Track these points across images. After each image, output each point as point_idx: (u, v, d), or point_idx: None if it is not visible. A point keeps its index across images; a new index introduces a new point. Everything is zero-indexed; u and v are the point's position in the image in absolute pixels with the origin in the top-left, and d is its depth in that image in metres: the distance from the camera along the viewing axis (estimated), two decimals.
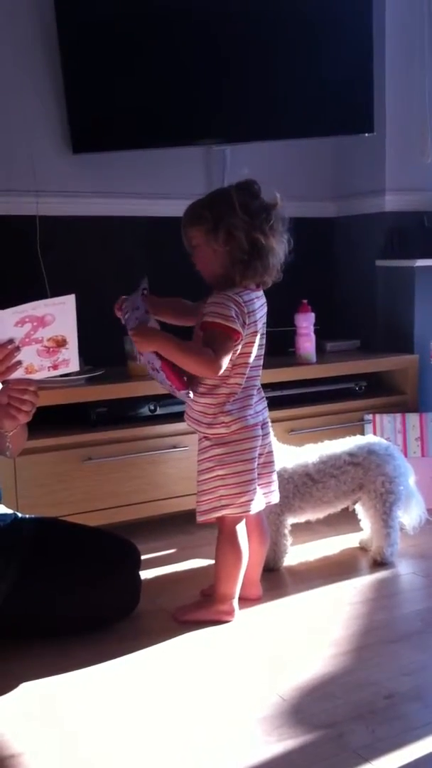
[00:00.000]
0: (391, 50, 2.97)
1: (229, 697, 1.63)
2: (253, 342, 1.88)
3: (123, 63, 2.69)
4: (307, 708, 1.57)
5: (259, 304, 1.88)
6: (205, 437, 1.91)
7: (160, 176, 2.90)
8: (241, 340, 1.82)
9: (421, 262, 2.98)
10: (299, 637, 1.88)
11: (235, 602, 1.97)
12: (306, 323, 2.82)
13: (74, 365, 1.70)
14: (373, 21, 2.79)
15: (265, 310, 1.92)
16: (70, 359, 1.68)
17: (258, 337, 1.89)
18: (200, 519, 1.95)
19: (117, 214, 2.86)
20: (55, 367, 1.67)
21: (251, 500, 1.92)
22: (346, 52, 2.80)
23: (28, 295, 2.61)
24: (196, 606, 1.99)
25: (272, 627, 1.94)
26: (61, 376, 1.78)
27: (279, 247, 1.83)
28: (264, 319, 1.92)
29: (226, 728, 1.52)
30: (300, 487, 2.23)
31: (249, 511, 1.93)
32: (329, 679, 1.68)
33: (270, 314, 2.94)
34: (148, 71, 2.69)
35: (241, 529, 1.95)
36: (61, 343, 1.65)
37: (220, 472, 1.90)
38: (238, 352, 1.85)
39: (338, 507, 2.34)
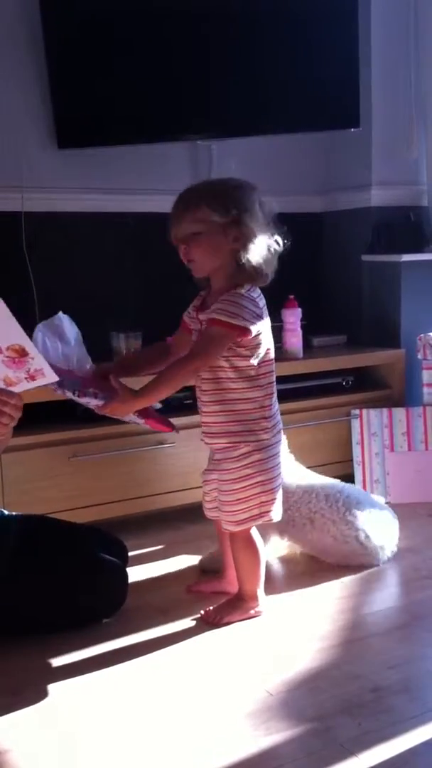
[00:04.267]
0: (377, 45, 2.97)
1: (217, 693, 1.63)
2: (270, 337, 1.85)
3: (109, 58, 2.68)
4: (295, 702, 1.58)
5: (264, 299, 1.85)
6: (243, 444, 1.85)
7: (146, 172, 2.89)
8: (250, 336, 1.76)
9: (407, 257, 2.98)
10: (286, 632, 1.89)
11: (261, 595, 1.97)
12: (293, 318, 2.82)
13: (50, 375, 1.64)
14: (359, 16, 2.79)
15: None
16: (43, 368, 1.62)
17: (270, 331, 1.87)
18: (237, 529, 1.90)
19: (103, 210, 2.85)
20: (31, 377, 1.63)
21: (280, 503, 1.93)
22: (332, 47, 2.80)
23: (14, 292, 2.62)
24: (227, 607, 1.95)
25: (259, 622, 1.94)
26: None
27: (279, 251, 1.82)
28: None
29: (214, 724, 1.52)
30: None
31: (280, 516, 1.94)
32: (316, 673, 1.69)
33: None
34: (134, 66, 2.69)
35: (253, 529, 1.93)
36: (21, 352, 1.60)
37: (261, 479, 1.85)
38: (256, 352, 1.81)
39: None
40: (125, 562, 2.05)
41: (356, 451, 2.79)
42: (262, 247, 1.77)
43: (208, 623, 1.92)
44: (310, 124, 2.90)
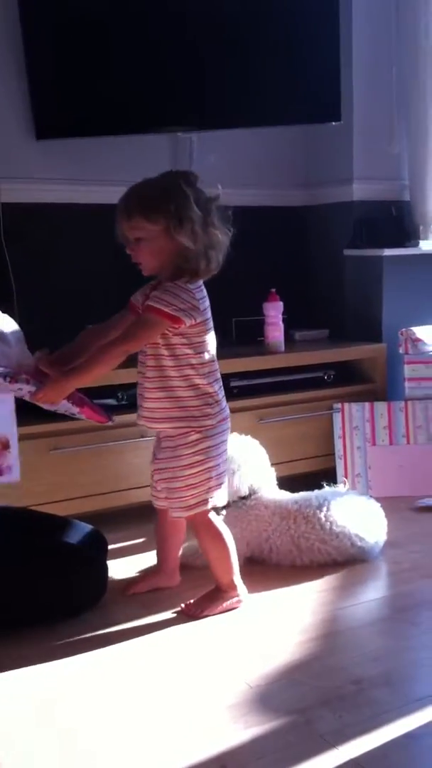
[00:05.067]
0: (358, 39, 2.97)
1: (197, 685, 1.62)
2: (210, 328, 1.88)
3: (88, 48, 2.66)
4: (275, 695, 1.57)
5: (204, 290, 1.88)
6: (193, 431, 1.87)
7: (126, 163, 2.86)
8: (184, 325, 1.80)
9: (389, 252, 2.98)
10: (267, 625, 1.88)
11: (239, 583, 1.97)
12: (274, 312, 2.81)
13: (16, 473, 1.62)
14: (340, 10, 2.78)
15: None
16: (12, 466, 1.61)
17: (211, 321, 1.89)
18: (186, 514, 1.92)
19: (82, 201, 2.83)
20: None
21: (225, 488, 1.95)
22: (313, 41, 2.79)
23: None
24: (207, 599, 1.95)
25: (240, 615, 1.93)
26: None
27: (225, 240, 1.83)
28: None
29: (194, 716, 1.51)
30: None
31: (225, 500, 1.96)
32: (297, 665, 1.68)
33: (239, 303, 2.96)
34: (113, 56, 2.66)
35: (212, 515, 1.94)
36: (4, 444, 1.58)
37: (211, 464, 1.89)
38: (195, 341, 1.84)
39: None
40: (105, 554, 2.04)
41: (338, 445, 2.78)
42: (202, 243, 1.79)
43: (188, 616, 1.91)
44: (291, 118, 2.89)
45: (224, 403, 1.93)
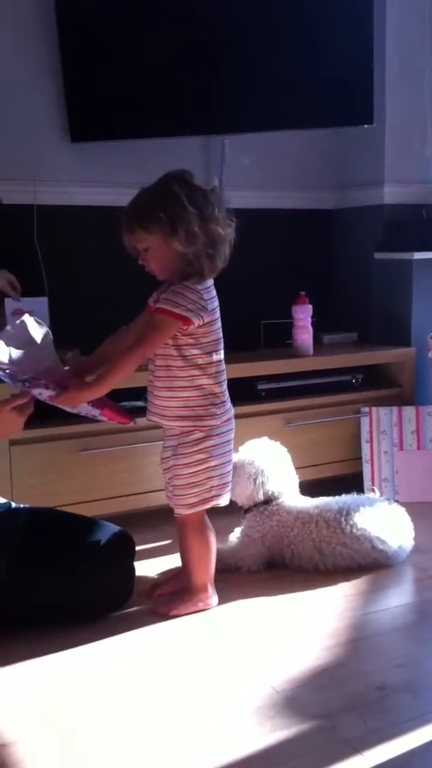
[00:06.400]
0: (391, 41, 2.96)
1: (223, 689, 1.63)
2: (218, 329, 1.90)
3: (122, 51, 2.68)
4: (300, 699, 1.58)
5: (214, 290, 1.89)
6: (197, 429, 1.90)
7: (158, 166, 2.84)
8: (193, 326, 1.82)
9: (419, 255, 2.97)
10: (293, 629, 1.89)
11: (211, 587, 2.00)
12: (303, 315, 2.81)
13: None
14: (373, 11, 2.78)
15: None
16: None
17: (219, 322, 1.91)
18: (186, 512, 1.94)
19: (115, 204, 2.83)
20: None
21: (230, 490, 1.98)
22: (346, 43, 2.79)
23: (25, 285, 2.63)
24: (177, 599, 1.98)
25: (266, 618, 1.94)
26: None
27: (228, 232, 1.84)
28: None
29: (219, 719, 1.52)
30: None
31: (228, 501, 1.99)
32: (322, 670, 1.68)
33: (267, 306, 2.96)
34: (147, 60, 2.68)
35: (204, 518, 1.97)
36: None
37: (213, 463, 1.91)
38: (203, 341, 1.86)
39: None
40: (132, 556, 2.05)
41: (365, 449, 2.78)
42: (202, 241, 1.80)
43: (158, 616, 1.94)
44: (323, 121, 2.89)
45: (229, 403, 1.96)
